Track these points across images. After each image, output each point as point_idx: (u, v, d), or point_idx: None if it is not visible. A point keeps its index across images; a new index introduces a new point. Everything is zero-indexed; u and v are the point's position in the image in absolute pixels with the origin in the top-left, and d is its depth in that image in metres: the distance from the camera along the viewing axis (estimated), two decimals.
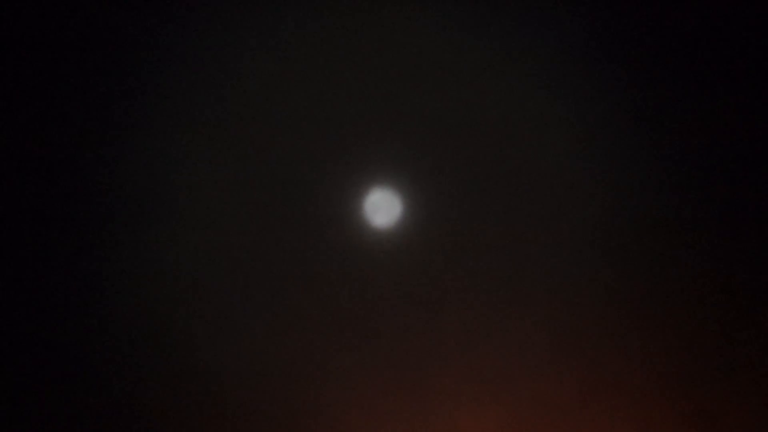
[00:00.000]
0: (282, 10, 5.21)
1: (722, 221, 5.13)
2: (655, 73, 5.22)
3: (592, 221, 5.17)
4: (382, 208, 5.17)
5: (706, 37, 5.20)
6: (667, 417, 5.04)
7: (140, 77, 5.19)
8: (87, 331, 5.09)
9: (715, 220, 5.13)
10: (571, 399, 5.08)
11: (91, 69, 5.17)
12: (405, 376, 5.13)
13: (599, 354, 5.10)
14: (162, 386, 5.08)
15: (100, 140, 5.16)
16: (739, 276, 5.10)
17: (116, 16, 5.16)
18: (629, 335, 5.12)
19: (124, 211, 5.15)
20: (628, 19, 5.21)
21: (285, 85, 5.22)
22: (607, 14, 5.21)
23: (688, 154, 5.17)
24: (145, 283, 5.13)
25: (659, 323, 5.11)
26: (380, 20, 5.22)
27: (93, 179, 5.15)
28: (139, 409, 5.07)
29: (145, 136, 5.18)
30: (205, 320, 5.12)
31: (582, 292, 5.14)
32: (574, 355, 5.11)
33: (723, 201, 5.15)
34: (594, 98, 5.22)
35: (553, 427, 5.07)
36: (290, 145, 5.19)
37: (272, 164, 5.19)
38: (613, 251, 5.16)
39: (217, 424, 5.07)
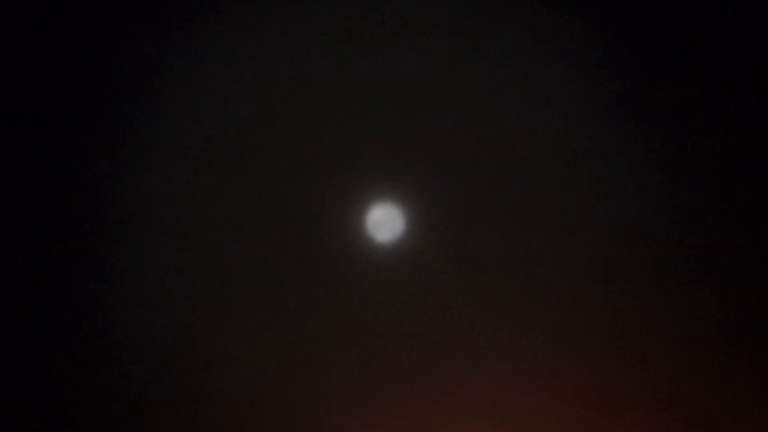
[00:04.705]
0: (288, 25, 5.24)
1: (723, 229, 5.12)
2: (662, 83, 5.22)
3: (593, 235, 5.17)
4: (385, 222, 5.19)
5: (707, 42, 5.20)
6: (667, 428, 5.03)
7: (145, 91, 5.23)
8: (90, 343, 5.14)
9: (716, 229, 5.13)
10: (572, 411, 5.08)
11: (96, 76, 5.23)
12: (406, 390, 5.14)
13: (600, 367, 5.10)
14: (161, 401, 5.11)
15: (101, 150, 5.21)
16: (741, 284, 5.09)
17: (118, 22, 5.23)
18: (630, 346, 5.11)
19: (127, 223, 5.19)
20: (631, 30, 5.22)
21: (289, 100, 5.25)
22: (609, 24, 5.23)
23: (690, 161, 5.17)
24: (148, 297, 5.16)
25: (661, 334, 5.11)
26: (384, 38, 5.25)
27: (95, 189, 5.20)
28: (138, 416, 5.11)
29: (149, 149, 5.23)
30: (209, 333, 5.15)
31: (584, 307, 5.14)
32: (576, 368, 5.11)
33: (724, 209, 5.14)
34: (597, 112, 5.23)
35: None
36: (294, 161, 5.23)
37: (275, 180, 5.22)
38: (614, 264, 5.16)
39: None
